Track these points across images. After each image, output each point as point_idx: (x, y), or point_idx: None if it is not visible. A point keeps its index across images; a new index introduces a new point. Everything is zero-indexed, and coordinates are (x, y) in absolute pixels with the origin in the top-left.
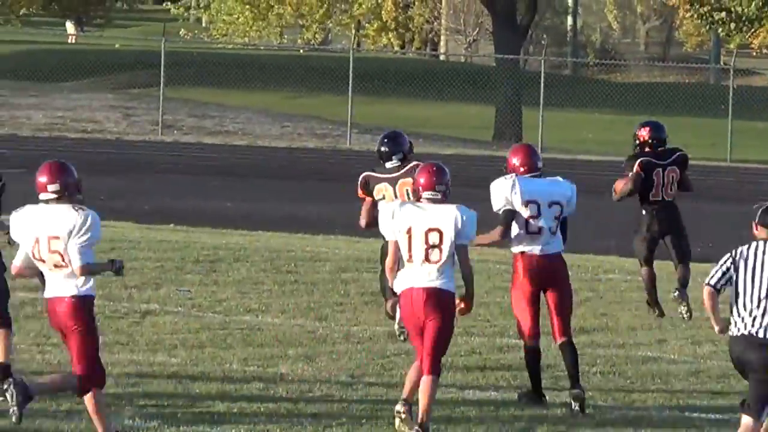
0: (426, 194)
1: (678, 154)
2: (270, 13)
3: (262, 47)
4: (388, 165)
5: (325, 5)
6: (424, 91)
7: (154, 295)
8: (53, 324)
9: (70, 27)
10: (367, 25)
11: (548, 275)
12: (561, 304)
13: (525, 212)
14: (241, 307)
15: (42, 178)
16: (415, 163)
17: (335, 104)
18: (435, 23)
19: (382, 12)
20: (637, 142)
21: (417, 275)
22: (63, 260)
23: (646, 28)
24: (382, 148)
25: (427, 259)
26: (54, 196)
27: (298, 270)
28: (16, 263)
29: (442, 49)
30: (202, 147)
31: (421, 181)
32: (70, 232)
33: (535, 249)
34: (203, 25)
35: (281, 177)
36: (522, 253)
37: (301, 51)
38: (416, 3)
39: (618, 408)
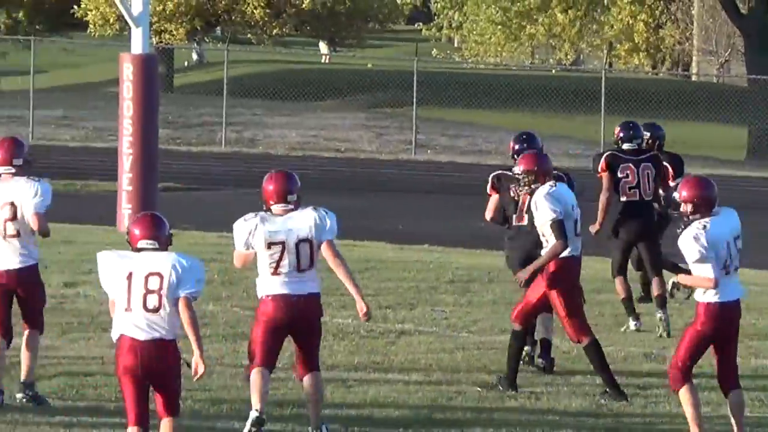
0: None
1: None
2: (522, 33)
3: (514, 67)
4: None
5: (577, 25)
6: (675, 111)
7: (408, 315)
8: None
9: (323, 47)
10: (618, 45)
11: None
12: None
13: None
14: (495, 328)
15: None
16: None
17: (588, 124)
18: (686, 44)
19: (634, 33)
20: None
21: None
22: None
23: None
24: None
25: None
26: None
27: None
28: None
29: (693, 70)
30: (455, 166)
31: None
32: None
33: None
34: (455, 45)
35: None
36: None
37: (553, 71)
38: (668, 24)
39: None
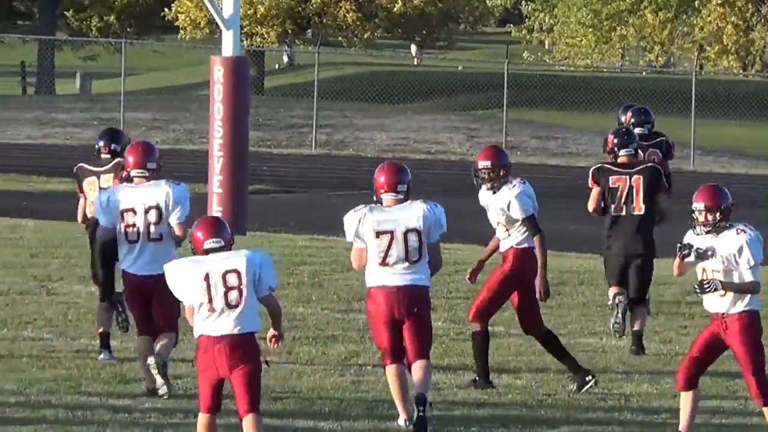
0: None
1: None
2: (613, 35)
3: (604, 69)
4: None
5: (668, 28)
6: (766, 112)
7: (499, 318)
8: None
9: (413, 49)
10: (708, 48)
11: None
12: None
13: None
14: (585, 330)
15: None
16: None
17: (678, 126)
18: None
19: (723, 36)
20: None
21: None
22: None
23: None
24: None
25: None
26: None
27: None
28: None
29: None
30: (546, 169)
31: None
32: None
33: None
34: (546, 47)
35: None
36: None
37: (644, 73)
38: (758, 27)
39: None
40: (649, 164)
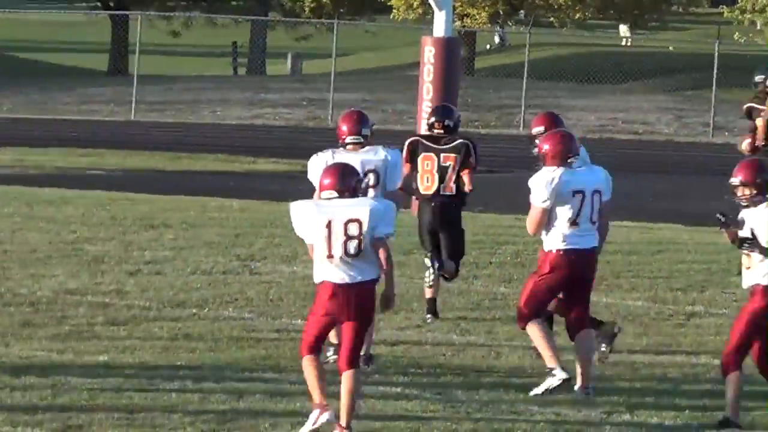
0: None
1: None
2: None
3: None
4: None
5: None
6: None
7: (699, 297)
8: None
9: (623, 30)
10: None
11: None
12: None
13: None
14: None
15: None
16: None
17: None
18: None
19: None
20: None
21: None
22: None
23: None
24: None
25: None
26: None
27: None
28: None
29: None
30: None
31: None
32: None
33: None
34: (758, 27)
35: None
36: None
37: None
38: None
39: None
40: None
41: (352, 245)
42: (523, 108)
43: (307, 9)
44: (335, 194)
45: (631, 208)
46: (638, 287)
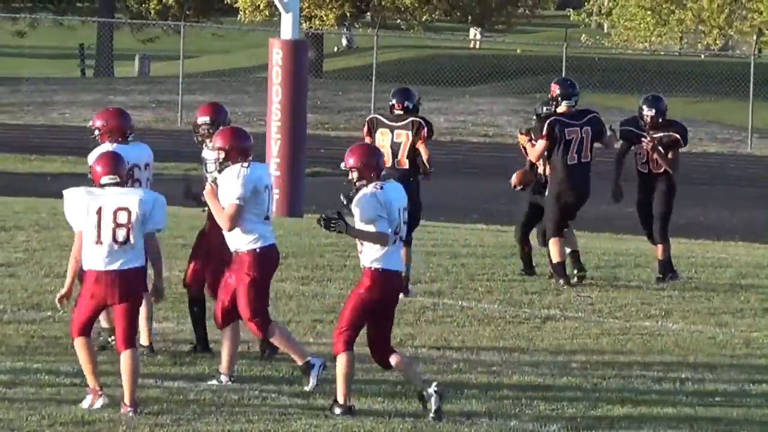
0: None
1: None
2: (671, 18)
3: (662, 52)
4: None
5: (726, 11)
6: None
7: (554, 301)
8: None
9: (473, 33)
10: (766, 31)
11: None
12: None
13: None
14: (641, 313)
15: None
16: None
17: (736, 109)
18: None
19: None
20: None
21: None
22: None
23: None
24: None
25: None
26: None
27: (699, 276)
28: None
29: None
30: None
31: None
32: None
33: None
34: (604, 30)
35: (682, 182)
36: None
37: (702, 56)
38: None
39: None
40: None
41: (121, 233)
42: (372, 110)
43: (153, 11)
44: (113, 180)
45: (485, 211)
46: (493, 290)
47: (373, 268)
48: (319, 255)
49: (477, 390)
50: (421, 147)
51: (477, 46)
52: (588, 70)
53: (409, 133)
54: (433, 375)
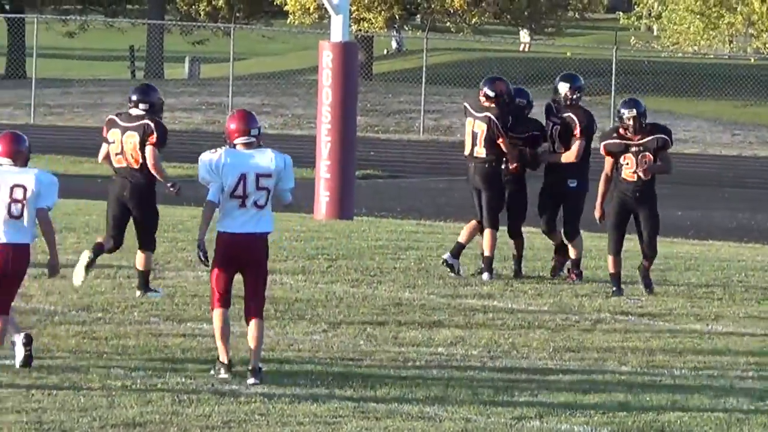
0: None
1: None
2: (720, 21)
3: (712, 56)
4: None
5: None
6: None
7: (604, 304)
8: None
9: (523, 36)
10: None
11: None
12: None
13: None
14: (691, 316)
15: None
16: None
17: None
18: None
19: None
20: None
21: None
22: None
23: None
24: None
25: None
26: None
27: (749, 279)
28: None
29: None
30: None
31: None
32: None
33: None
34: (654, 33)
35: (732, 185)
36: None
37: (752, 60)
38: None
39: None
40: None
41: (16, 208)
42: (422, 113)
43: (202, 13)
44: (8, 161)
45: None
46: (543, 293)
47: (217, 231)
48: (369, 257)
49: (527, 393)
50: (499, 142)
51: (526, 49)
52: (637, 73)
53: (484, 126)
54: (483, 377)
